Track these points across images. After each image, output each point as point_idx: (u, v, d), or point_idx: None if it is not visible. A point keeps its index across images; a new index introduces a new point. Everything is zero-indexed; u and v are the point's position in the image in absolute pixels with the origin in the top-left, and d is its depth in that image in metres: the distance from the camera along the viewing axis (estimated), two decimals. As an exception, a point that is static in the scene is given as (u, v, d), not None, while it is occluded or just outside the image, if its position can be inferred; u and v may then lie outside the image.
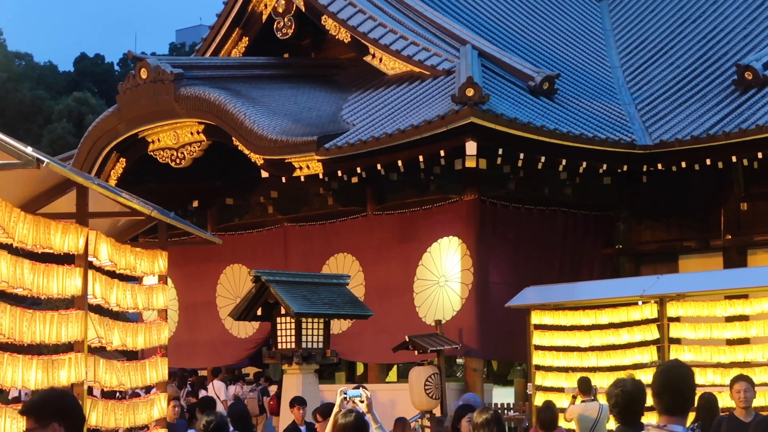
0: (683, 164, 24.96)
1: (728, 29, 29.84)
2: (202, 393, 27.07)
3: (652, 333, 19.87)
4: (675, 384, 7.85)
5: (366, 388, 9.58)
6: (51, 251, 9.95)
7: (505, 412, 24.15)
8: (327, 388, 22.45)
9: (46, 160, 8.52)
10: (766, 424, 11.13)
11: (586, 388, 17.76)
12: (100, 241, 10.92)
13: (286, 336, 23.03)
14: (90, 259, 10.68)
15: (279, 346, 23.24)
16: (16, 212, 9.17)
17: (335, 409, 9.42)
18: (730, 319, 19.89)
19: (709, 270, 24.71)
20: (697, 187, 25.66)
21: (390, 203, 26.82)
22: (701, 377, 19.27)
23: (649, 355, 19.81)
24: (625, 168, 25.46)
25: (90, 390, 11.28)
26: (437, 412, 22.38)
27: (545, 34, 31.41)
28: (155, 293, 12.63)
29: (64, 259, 10.29)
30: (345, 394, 9.27)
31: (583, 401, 17.56)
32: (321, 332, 23.13)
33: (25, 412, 6.56)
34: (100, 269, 11.15)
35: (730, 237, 26.12)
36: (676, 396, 7.79)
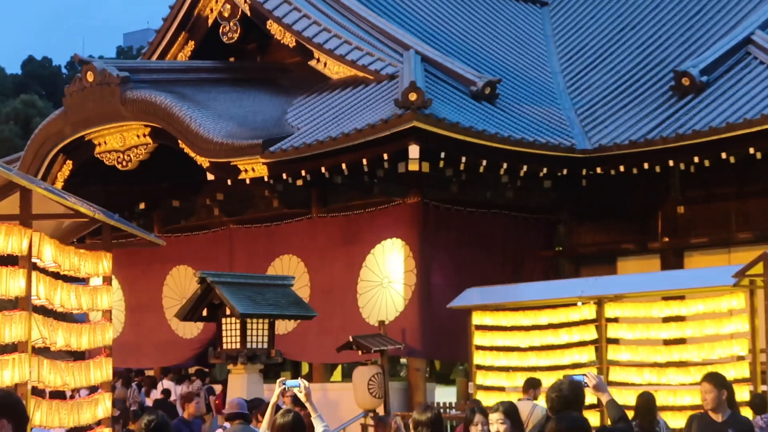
0: (622, 168, 25.12)
1: (666, 36, 30.04)
2: (153, 393, 27.01)
3: (590, 333, 20.03)
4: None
5: (304, 379, 9.64)
6: (-5, 253, 9.91)
7: (447, 411, 24.21)
8: (271, 388, 22.45)
9: (-12, 161, 8.50)
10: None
11: (526, 388, 17.86)
12: (44, 242, 10.88)
13: (231, 336, 23.03)
14: (34, 260, 10.64)
15: (224, 347, 23.24)
16: (-41, 214, 9.14)
17: (273, 399, 9.45)
18: (666, 320, 20.08)
19: (647, 272, 24.93)
20: (635, 190, 25.84)
21: (334, 206, 26.82)
22: (638, 377, 19.45)
23: (588, 354, 19.96)
24: (565, 172, 25.59)
25: (37, 390, 11.22)
26: (380, 411, 22.39)
27: (487, 39, 31.49)
28: (99, 294, 12.58)
29: (8, 261, 10.25)
30: (284, 384, 9.33)
31: (519, 400, 17.65)
32: (266, 333, 23.14)
33: None
34: (44, 270, 11.10)
35: (667, 240, 26.33)
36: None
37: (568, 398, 8.84)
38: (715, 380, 10.91)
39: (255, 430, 13.47)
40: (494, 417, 8.82)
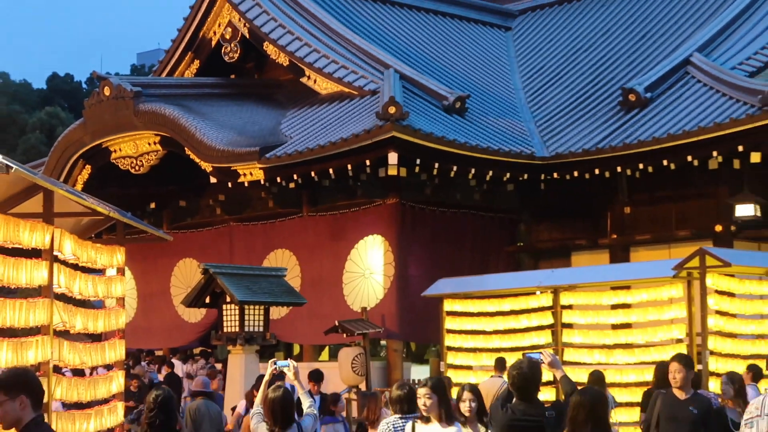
0: (575, 174, 25.13)
1: (615, 57, 30.11)
2: (165, 369, 26.95)
3: (547, 319, 20.00)
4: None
5: (294, 360, 9.73)
6: (20, 246, 9.87)
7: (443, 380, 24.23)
8: (267, 366, 22.37)
9: (14, 166, 8.42)
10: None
11: (498, 366, 17.88)
12: (65, 237, 10.84)
13: (231, 321, 22.95)
14: (55, 253, 10.60)
15: (225, 330, 23.15)
16: (-11, 212, 9.08)
17: (266, 377, 9.42)
18: (614, 307, 20.04)
19: (597, 265, 24.94)
20: (587, 193, 25.85)
21: (322, 206, 26.79)
22: (589, 357, 19.42)
23: (545, 337, 19.94)
24: (525, 176, 25.59)
25: (58, 368, 11.18)
26: (363, 386, 22.37)
27: (458, 59, 31.50)
28: (114, 283, 12.55)
29: (32, 254, 10.20)
30: (275, 364, 9.37)
31: (491, 377, 17.66)
32: (261, 318, 23.07)
33: None
34: (64, 262, 11.06)
35: (615, 236, 26.37)
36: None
37: (527, 375, 8.85)
38: (685, 361, 10.82)
39: (215, 404, 13.45)
40: (422, 391, 8.83)
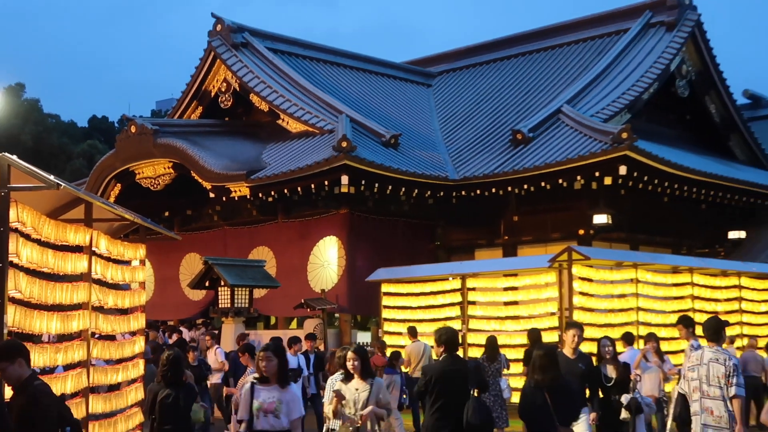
0: (478, 191, 25.34)
1: (507, 106, 30.31)
2: (175, 335, 26.75)
3: (457, 298, 20.15)
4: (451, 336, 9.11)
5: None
6: (67, 243, 9.81)
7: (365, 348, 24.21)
8: (250, 332, 22.30)
9: (63, 184, 8.39)
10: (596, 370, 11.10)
11: (412, 334, 17.97)
12: (100, 237, 10.78)
13: (224, 299, 22.99)
14: (93, 249, 10.54)
15: (219, 306, 23.20)
16: (44, 218, 9.01)
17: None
18: (506, 289, 20.21)
19: (493, 258, 25.17)
20: (486, 206, 25.94)
21: (293, 214, 26.72)
22: (487, 326, 19.54)
23: (456, 312, 20.08)
24: (441, 193, 25.73)
25: (94, 335, 11.11)
26: (321, 347, 22.38)
27: (392, 107, 31.56)
28: (137, 272, 12.45)
29: (76, 249, 10.14)
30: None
31: (413, 342, 17.75)
32: (247, 297, 23.13)
33: None
34: (100, 255, 10.98)
35: (507, 238, 26.60)
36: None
37: (449, 334, 9.07)
38: (579, 326, 10.68)
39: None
40: (349, 355, 8.79)
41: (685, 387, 9.34)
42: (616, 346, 12.48)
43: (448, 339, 9.04)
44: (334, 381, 9.03)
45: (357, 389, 8.72)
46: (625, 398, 11.30)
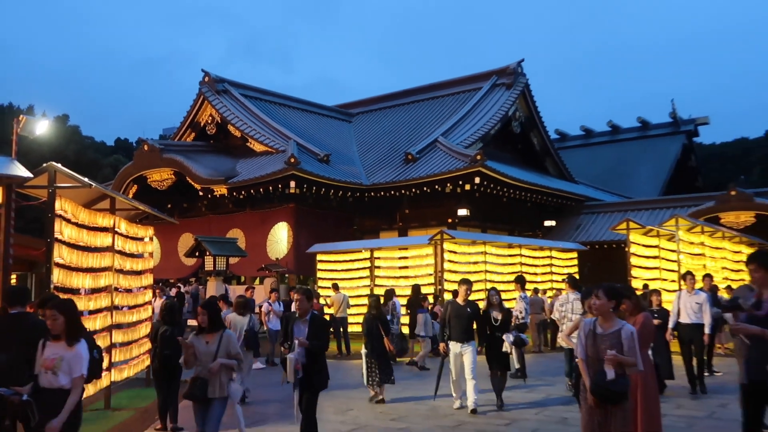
0: (382, 193, 25.42)
1: (403, 136, 30.23)
2: (174, 290, 26.13)
3: (368, 265, 20.13)
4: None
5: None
6: (97, 226, 9.50)
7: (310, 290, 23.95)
8: (232, 288, 21.95)
9: (93, 184, 8.13)
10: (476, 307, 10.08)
11: (336, 288, 17.82)
12: (121, 221, 10.48)
13: (209, 264, 22.47)
14: (116, 229, 10.24)
15: (205, 269, 22.68)
16: (80, 208, 8.72)
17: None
18: (400, 258, 20.13)
19: (392, 237, 25.31)
20: (388, 203, 26.02)
21: (257, 207, 26.33)
22: (387, 282, 19.26)
23: (366, 273, 20.01)
24: (357, 194, 25.71)
25: (117, 289, 10.79)
26: (273, 297, 22.12)
27: (326, 136, 31.31)
28: (147, 245, 12.15)
29: (103, 230, 9.83)
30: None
31: (336, 293, 17.59)
32: (224, 262, 22.64)
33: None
34: (121, 234, 10.68)
35: (401, 224, 26.74)
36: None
37: (386, 293, 9.07)
38: (469, 282, 9.85)
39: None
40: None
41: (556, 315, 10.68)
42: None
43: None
44: (187, 335, 6.81)
45: (207, 342, 6.49)
46: (506, 336, 10.14)
